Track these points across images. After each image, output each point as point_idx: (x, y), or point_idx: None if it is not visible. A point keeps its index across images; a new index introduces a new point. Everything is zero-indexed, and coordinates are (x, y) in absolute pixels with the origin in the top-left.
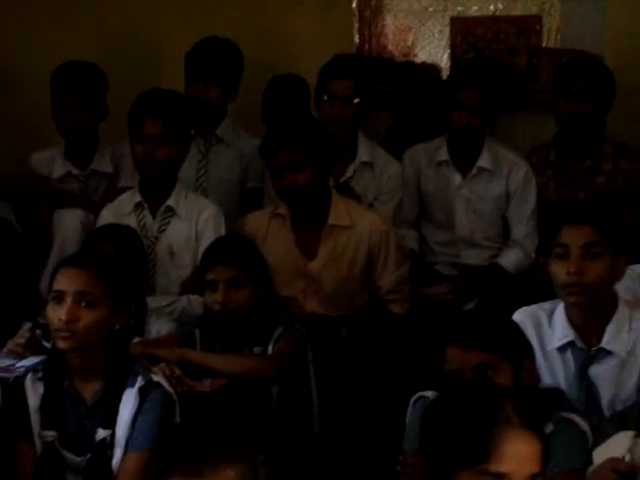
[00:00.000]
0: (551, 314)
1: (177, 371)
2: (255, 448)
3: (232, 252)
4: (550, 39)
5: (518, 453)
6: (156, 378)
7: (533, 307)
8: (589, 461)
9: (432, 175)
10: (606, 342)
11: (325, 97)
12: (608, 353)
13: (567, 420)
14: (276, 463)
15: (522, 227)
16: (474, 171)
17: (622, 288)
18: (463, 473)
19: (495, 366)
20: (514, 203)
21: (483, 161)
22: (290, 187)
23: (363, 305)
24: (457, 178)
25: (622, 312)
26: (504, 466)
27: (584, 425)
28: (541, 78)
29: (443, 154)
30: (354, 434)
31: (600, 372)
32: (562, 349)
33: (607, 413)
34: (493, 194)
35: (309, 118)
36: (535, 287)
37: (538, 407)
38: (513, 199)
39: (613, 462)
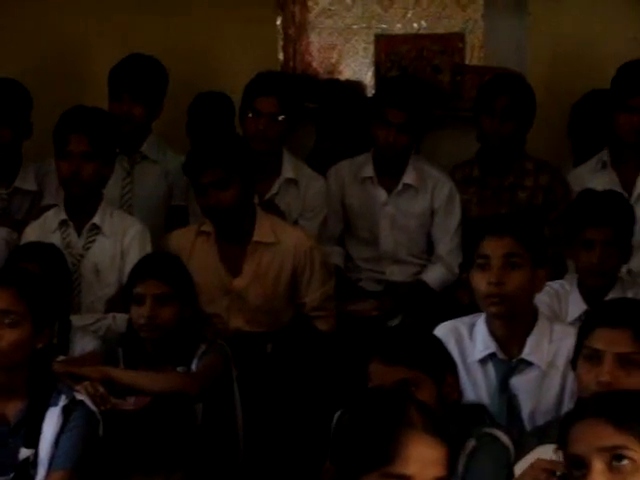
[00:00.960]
0: (472, 327)
1: (101, 389)
2: (171, 466)
3: (163, 268)
4: (473, 57)
5: (422, 456)
6: (79, 397)
7: (453, 321)
8: (510, 475)
9: (357, 191)
10: (527, 353)
11: (250, 114)
12: (529, 364)
13: (489, 435)
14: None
15: (446, 243)
16: (399, 187)
17: (540, 303)
18: (368, 477)
19: (418, 382)
20: (438, 219)
21: (408, 178)
22: (215, 205)
23: (288, 322)
24: (382, 194)
25: (542, 324)
26: (408, 468)
27: (506, 440)
28: (464, 95)
29: (368, 170)
30: (279, 451)
31: (521, 383)
32: (483, 361)
33: (528, 426)
34: (418, 210)
35: (233, 135)
36: (457, 306)
37: (461, 423)
38: (437, 215)
39: (541, 462)
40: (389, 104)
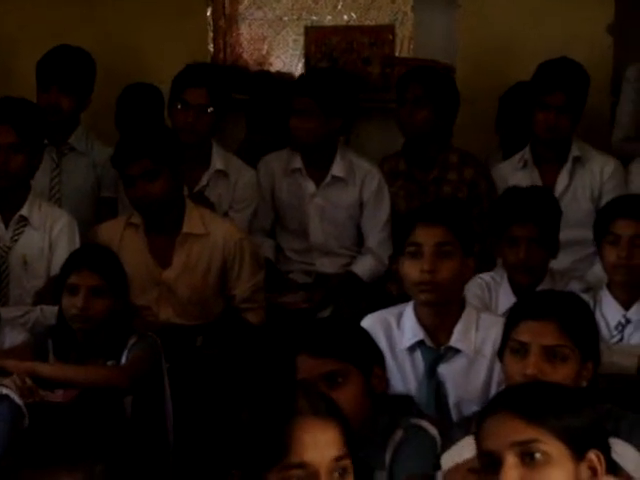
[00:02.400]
0: (400, 316)
1: (28, 382)
2: (94, 459)
3: (99, 260)
4: (403, 49)
5: (316, 440)
6: (4, 391)
7: (381, 312)
8: (437, 466)
9: (286, 183)
10: (455, 340)
11: (179, 106)
12: (456, 352)
13: (416, 426)
14: (117, 474)
15: (375, 235)
16: (328, 179)
17: (471, 295)
18: (271, 473)
19: (345, 374)
20: (367, 211)
21: (336, 170)
22: (143, 197)
23: (218, 314)
24: (311, 186)
25: (470, 313)
26: (305, 456)
27: (433, 431)
28: (394, 87)
29: (297, 162)
30: (209, 445)
31: (448, 370)
32: (412, 349)
33: (454, 414)
34: (347, 202)
35: (162, 127)
36: (386, 298)
37: (388, 414)
38: (366, 207)
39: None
40: (298, 93)
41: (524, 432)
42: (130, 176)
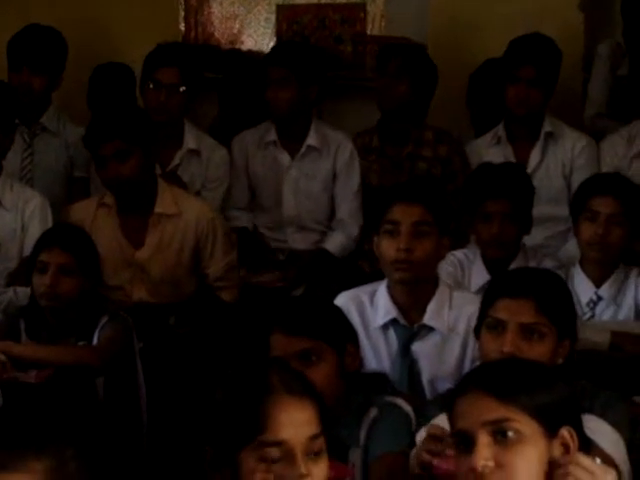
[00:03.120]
0: (373, 294)
1: (2, 357)
2: (64, 442)
3: (70, 239)
4: (375, 27)
5: (291, 419)
6: None
7: (354, 290)
8: (412, 444)
9: (261, 157)
10: (428, 318)
11: (150, 85)
12: (430, 329)
13: (391, 404)
14: (88, 457)
15: (346, 206)
16: (303, 150)
17: (444, 273)
18: (245, 451)
19: (319, 352)
20: (339, 182)
21: (311, 139)
22: (115, 177)
23: (192, 293)
24: (286, 158)
25: (443, 290)
26: (281, 434)
27: (407, 408)
28: (366, 65)
29: (271, 135)
30: (182, 424)
31: (422, 348)
32: (385, 327)
33: (428, 391)
34: (321, 173)
35: (133, 107)
36: (359, 275)
37: (363, 391)
38: (339, 178)
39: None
40: (272, 63)
41: (496, 411)
42: (102, 156)
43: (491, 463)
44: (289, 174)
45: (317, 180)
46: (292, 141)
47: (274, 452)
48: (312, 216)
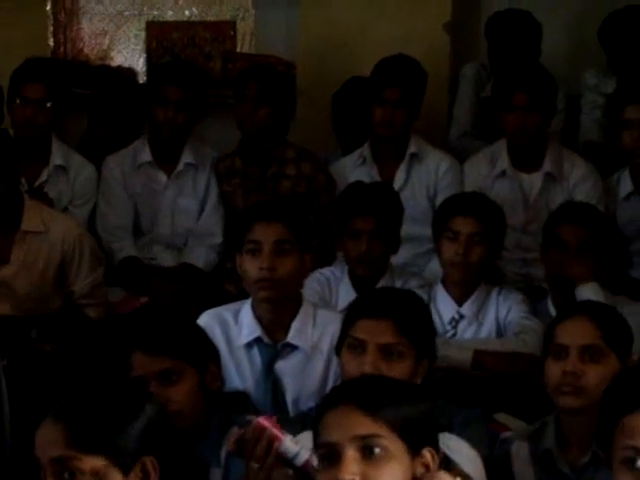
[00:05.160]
0: (237, 313)
1: None
2: None
3: None
4: (244, 44)
5: None
6: None
7: (218, 308)
8: None
9: (137, 178)
10: (291, 337)
11: (17, 101)
12: (294, 348)
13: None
14: None
15: (206, 219)
16: (179, 168)
17: (311, 291)
18: None
19: (180, 371)
20: (208, 196)
21: (187, 157)
22: None
23: (57, 308)
24: (162, 177)
25: (307, 309)
26: None
27: None
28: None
29: (146, 156)
30: None
31: (286, 367)
32: (249, 346)
33: (292, 410)
34: (198, 190)
35: None
36: (226, 297)
37: (224, 411)
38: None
39: None
40: (165, 82)
41: (365, 426)
42: None
43: (357, 478)
44: (166, 194)
45: (194, 197)
46: (168, 160)
47: None
48: (185, 235)
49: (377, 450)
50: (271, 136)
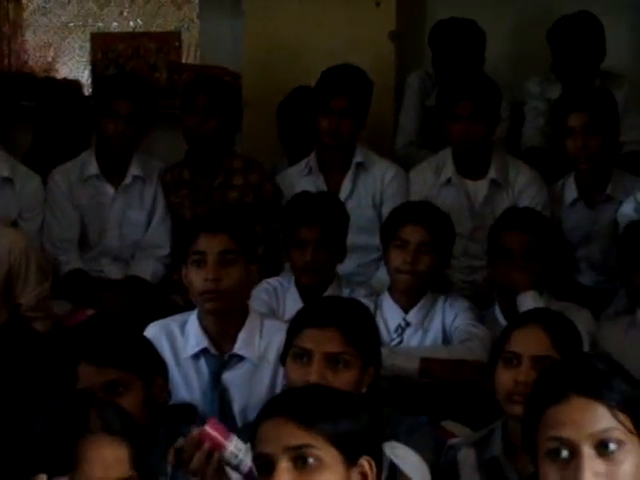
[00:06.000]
0: (184, 324)
1: None
2: None
3: None
4: (190, 55)
5: (103, 458)
6: None
7: (165, 320)
8: None
9: (83, 190)
10: (238, 347)
11: None
12: (241, 358)
13: None
14: None
15: (153, 231)
16: (127, 181)
17: (259, 301)
18: None
19: (127, 383)
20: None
21: (135, 170)
22: None
23: (4, 321)
24: (109, 190)
25: (254, 319)
26: (91, 472)
27: None
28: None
29: (93, 168)
30: None
31: (233, 377)
32: (196, 357)
33: (240, 421)
34: (144, 202)
35: None
36: (173, 308)
37: (171, 423)
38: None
39: None
40: (114, 96)
41: (298, 437)
42: None
43: None
44: (114, 207)
45: (142, 209)
46: (115, 173)
47: None
48: (134, 247)
49: (310, 460)
50: (219, 147)
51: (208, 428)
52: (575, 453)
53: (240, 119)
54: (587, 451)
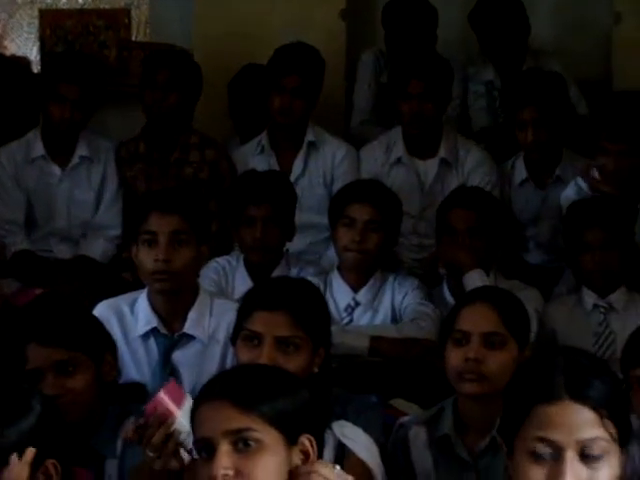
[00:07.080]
0: (133, 303)
1: None
2: None
3: None
4: (140, 33)
5: None
6: None
7: (114, 299)
8: None
9: (30, 171)
10: (188, 327)
11: None
12: (191, 338)
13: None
14: None
15: (104, 212)
16: (74, 161)
17: (207, 280)
18: None
19: (76, 362)
20: (103, 188)
21: (82, 150)
22: None
23: None
24: (56, 171)
25: (204, 298)
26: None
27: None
28: (131, 71)
29: (39, 150)
30: None
31: (183, 357)
32: (145, 336)
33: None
34: (92, 182)
35: None
36: (122, 285)
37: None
38: (104, 184)
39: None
40: (62, 80)
41: (237, 420)
42: None
43: (231, 472)
44: (61, 187)
45: (90, 189)
46: (61, 154)
47: None
48: (83, 227)
49: (250, 443)
50: (177, 122)
51: (162, 394)
52: (559, 456)
53: (199, 94)
54: (571, 455)
